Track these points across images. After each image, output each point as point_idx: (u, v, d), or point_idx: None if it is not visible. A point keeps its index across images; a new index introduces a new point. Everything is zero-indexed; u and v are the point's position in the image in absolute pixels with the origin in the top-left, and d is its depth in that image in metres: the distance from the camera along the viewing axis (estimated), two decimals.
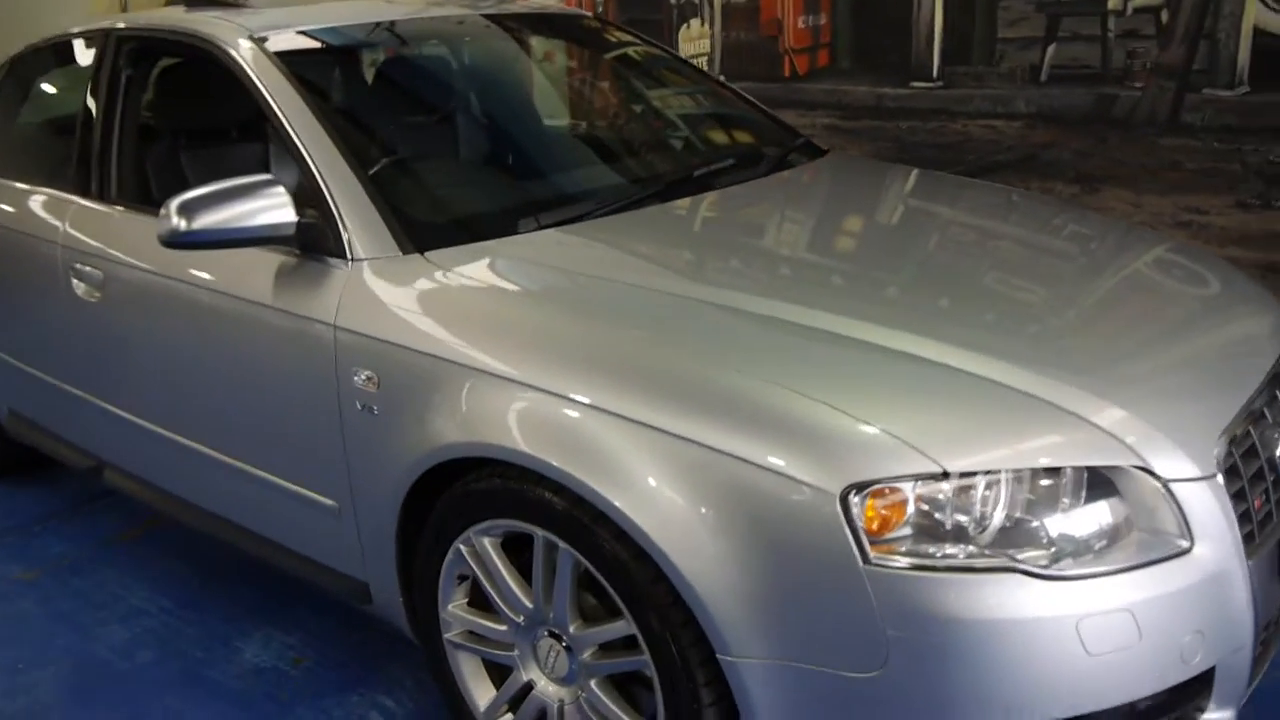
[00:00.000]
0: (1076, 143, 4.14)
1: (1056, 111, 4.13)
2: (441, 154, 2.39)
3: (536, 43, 2.85)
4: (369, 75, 2.54)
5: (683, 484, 1.59)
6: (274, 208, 2.06)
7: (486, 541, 1.88)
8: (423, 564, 2.01)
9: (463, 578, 1.98)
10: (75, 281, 2.64)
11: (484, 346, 1.82)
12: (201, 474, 2.47)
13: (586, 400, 1.68)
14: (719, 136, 2.72)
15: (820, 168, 2.69)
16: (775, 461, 1.53)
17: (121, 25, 2.78)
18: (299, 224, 2.08)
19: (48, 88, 3.27)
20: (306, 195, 2.12)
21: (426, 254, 2.02)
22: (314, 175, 2.14)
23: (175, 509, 2.66)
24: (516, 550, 1.89)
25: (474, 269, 1.97)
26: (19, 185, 3.06)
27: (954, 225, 2.43)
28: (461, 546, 1.92)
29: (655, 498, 1.60)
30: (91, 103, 2.77)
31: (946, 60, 4.35)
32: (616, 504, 1.62)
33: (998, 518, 1.53)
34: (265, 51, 2.37)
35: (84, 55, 3.02)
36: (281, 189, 2.08)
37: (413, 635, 2.15)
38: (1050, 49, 4.10)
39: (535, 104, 2.65)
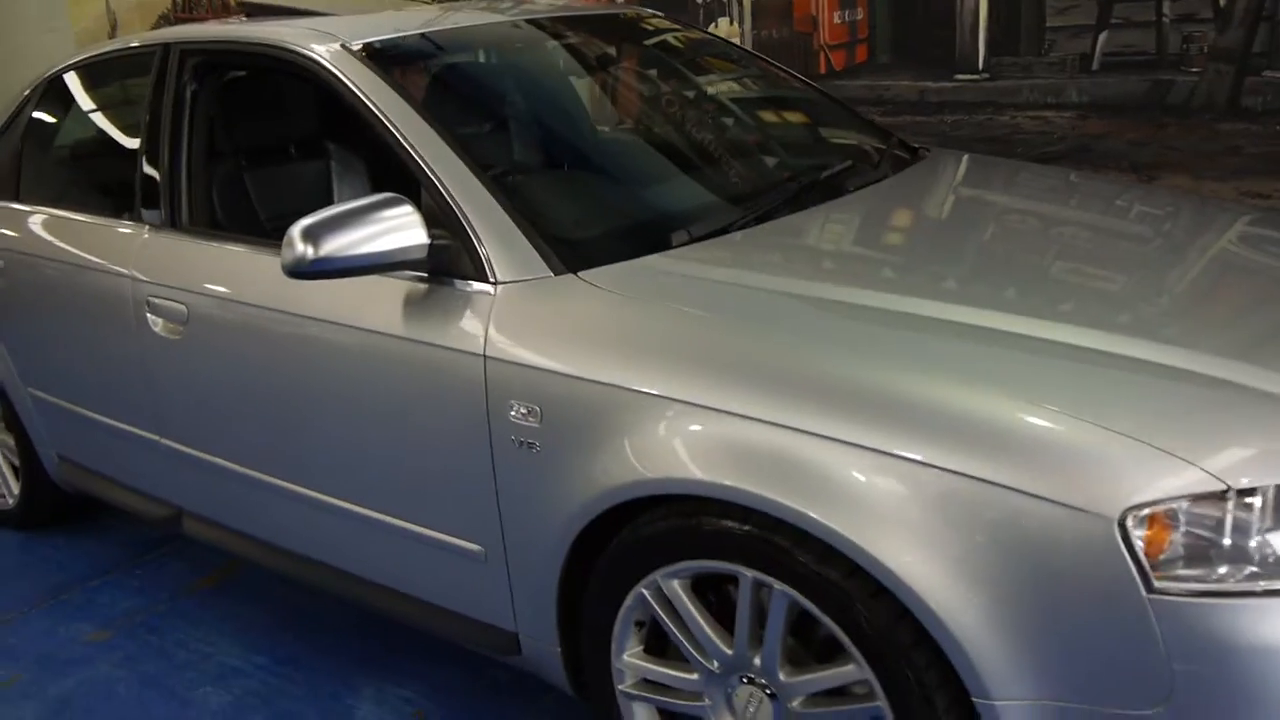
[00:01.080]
0: (1132, 132, 4.06)
1: (1110, 100, 4.05)
2: (566, 165, 2.23)
3: (634, 48, 2.70)
4: (474, 83, 2.37)
5: (932, 515, 1.45)
6: (404, 229, 1.90)
7: (676, 584, 1.73)
8: (592, 611, 1.85)
9: (639, 623, 1.83)
10: (152, 318, 2.45)
11: (670, 372, 1.67)
12: (310, 521, 2.29)
13: (805, 427, 1.54)
14: (829, 139, 2.59)
15: (935, 165, 2.57)
16: (1040, 486, 1.40)
17: (185, 38, 2.59)
18: (429, 246, 1.92)
19: (92, 108, 3.06)
20: (432, 215, 1.95)
21: (580, 274, 1.86)
22: (441, 193, 1.97)
23: (269, 558, 2.47)
24: (700, 590, 1.75)
25: (639, 288, 1.82)
26: (65, 214, 2.86)
27: (1106, 221, 2.32)
28: (644, 591, 1.76)
29: (900, 531, 1.46)
30: (152, 122, 2.58)
31: (992, 51, 4.26)
32: (856, 541, 1.48)
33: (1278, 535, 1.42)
34: (364, 61, 2.20)
35: (135, 71, 2.83)
36: (410, 208, 1.92)
37: (569, 687, 1.99)
38: (1102, 36, 4.02)
39: (648, 110, 2.50)
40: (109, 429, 2.76)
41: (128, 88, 2.93)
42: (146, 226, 2.56)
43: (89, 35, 6.45)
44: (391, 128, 2.07)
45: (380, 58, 2.25)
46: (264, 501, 2.38)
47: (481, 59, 2.50)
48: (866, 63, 4.58)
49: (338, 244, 1.86)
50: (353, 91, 2.15)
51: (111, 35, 6.27)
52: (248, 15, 2.74)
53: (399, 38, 2.36)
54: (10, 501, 3.37)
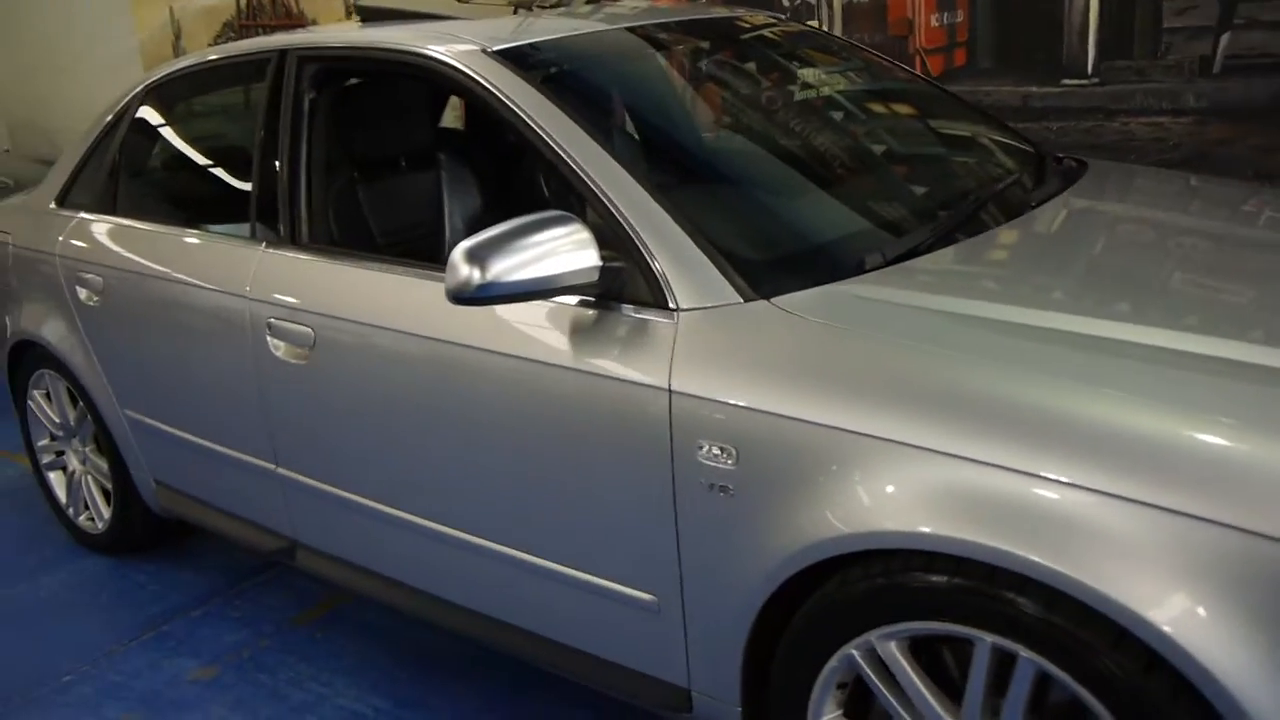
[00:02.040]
0: (1256, 138, 3.86)
1: (1232, 105, 3.85)
2: (738, 180, 2.07)
3: (777, 55, 2.54)
4: (619, 91, 2.22)
5: (1212, 574, 1.28)
6: (574, 250, 1.75)
7: (894, 647, 1.57)
8: (787, 671, 1.69)
9: (840, 685, 1.67)
10: (272, 341, 2.31)
11: (894, 412, 1.50)
12: (450, 561, 2.14)
13: (1059, 477, 1.37)
14: (993, 151, 2.42)
15: (1105, 177, 2.39)
16: None
17: (303, 45, 2.44)
18: (600, 269, 1.77)
19: (197, 117, 2.94)
20: (598, 234, 1.79)
21: (773, 301, 1.70)
22: (610, 210, 1.82)
23: (394, 597, 2.32)
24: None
25: (843, 317, 1.65)
26: (169, 229, 2.72)
27: None
28: (854, 652, 1.60)
29: (1150, 574, 1.30)
30: (268, 132, 2.44)
31: (1103, 55, 4.07)
32: (1129, 606, 1.31)
33: None
34: (510, 67, 2.05)
35: (244, 79, 2.70)
36: (581, 226, 1.77)
37: None
38: (1224, 38, 3.82)
39: (811, 119, 2.34)
40: (216, 455, 2.62)
41: (235, 96, 2.81)
42: (263, 243, 2.42)
43: (152, 44, 6.37)
44: (549, 139, 1.92)
45: (524, 63, 2.11)
46: (395, 538, 2.24)
47: (622, 66, 2.34)
48: (965, 67, 4.40)
49: (504, 266, 1.71)
50: (503, 101, 2.00)
51: (176, 43, 6.18)
52: (364, 20, 2.58)
53: (540, 42, 2.21)
54: (100, 526, 3.24)
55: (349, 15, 5.89)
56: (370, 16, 2.58)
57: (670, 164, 2.01)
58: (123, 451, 2.99)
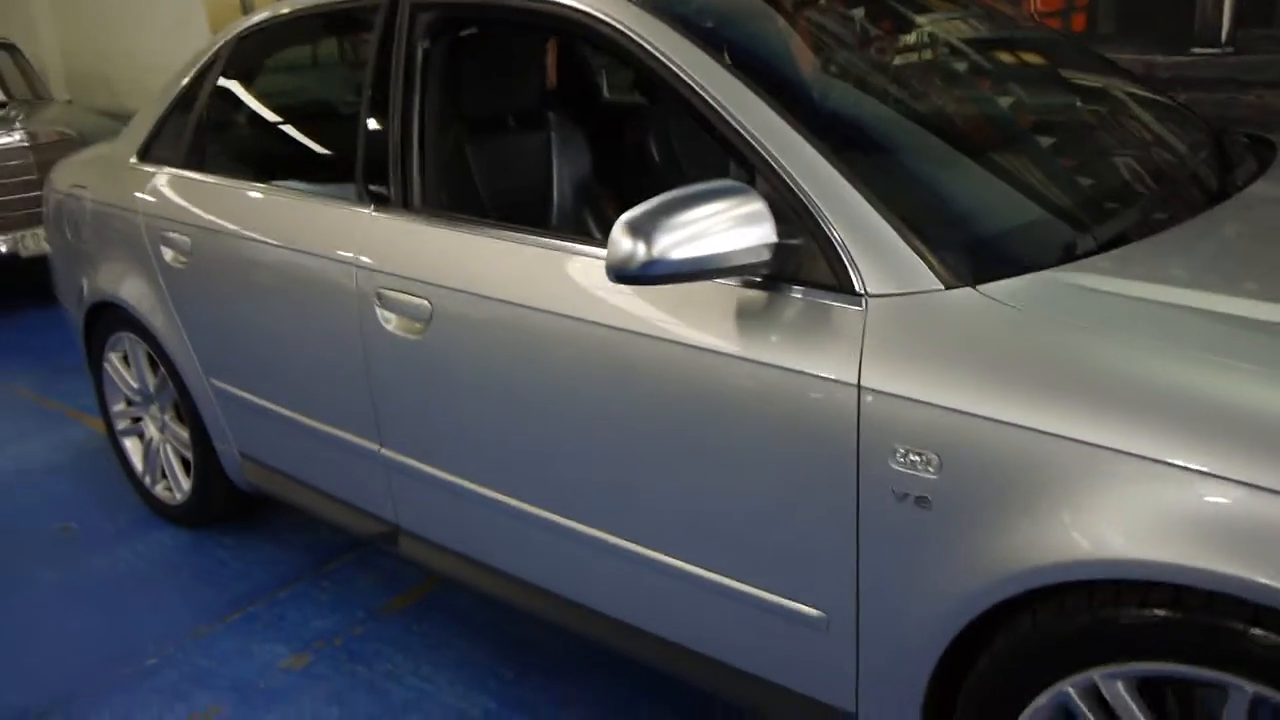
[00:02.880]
0: None
1: None
2: (924, 151, 1.85)
3: (939, 19, 2.31)
4: (790, 48, 2.00)
5: None
6: (749, 224, 1.55)
7: (1121, 687, 1.37)
8: (981, 703, 1.50)
9: None
10: (383, 313, 2.13)
11: (1136, 420, 1.30)
12: (578, 559, 1.96)
13: None
14: (1182, 130, 2.18)
15: None
16: None
17: None
18: (776, 246, 1.58)
19: (293, 69, 2.75)
20: (772, 207, 1.59)
21: (980, 289, 1.50)
22: (786, 182, 1.61)
23: (506, 591, 2.16)
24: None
25: (1070, 309, 1.44)
26: (264, 189, 2.54)
27: None
28: (1070, 689, 1.41)
29: None
30: (378, 86, 2.25)
31: (1239, 22, 3.79)
32: None
33: None
34: (665, 20, 1.84)
35: (345, 29, 2.51)
36: (756, 197, 1.57)
37: None
38: None
39: (992, 86, 2.12)
40: (311, 432, 2.46)
41: (334, 47, 2.62)
42: (371, 206, 2.24)
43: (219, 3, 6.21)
44: (711, 99, 1.71)
45: (673, 13, 1.89)
46: (513, 531, 2.07)
47: (781, 23, 2.12)
48: (1085, 33, 4.12)
49: (671, 241, 1.52)
50: (657, 56, 1.79)
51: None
52: None
53: None
54: (178, 497, 3.11)
55: None
56: None
57: (846, 131, 1.79)
58: (207, 422, 2.84)
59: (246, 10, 6.05)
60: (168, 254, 2.75)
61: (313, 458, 2.54)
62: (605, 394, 1.80)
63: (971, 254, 1.56)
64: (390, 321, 2.13)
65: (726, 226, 1.55)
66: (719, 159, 3.11)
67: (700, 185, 1.58)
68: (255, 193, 2.57)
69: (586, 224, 2.64)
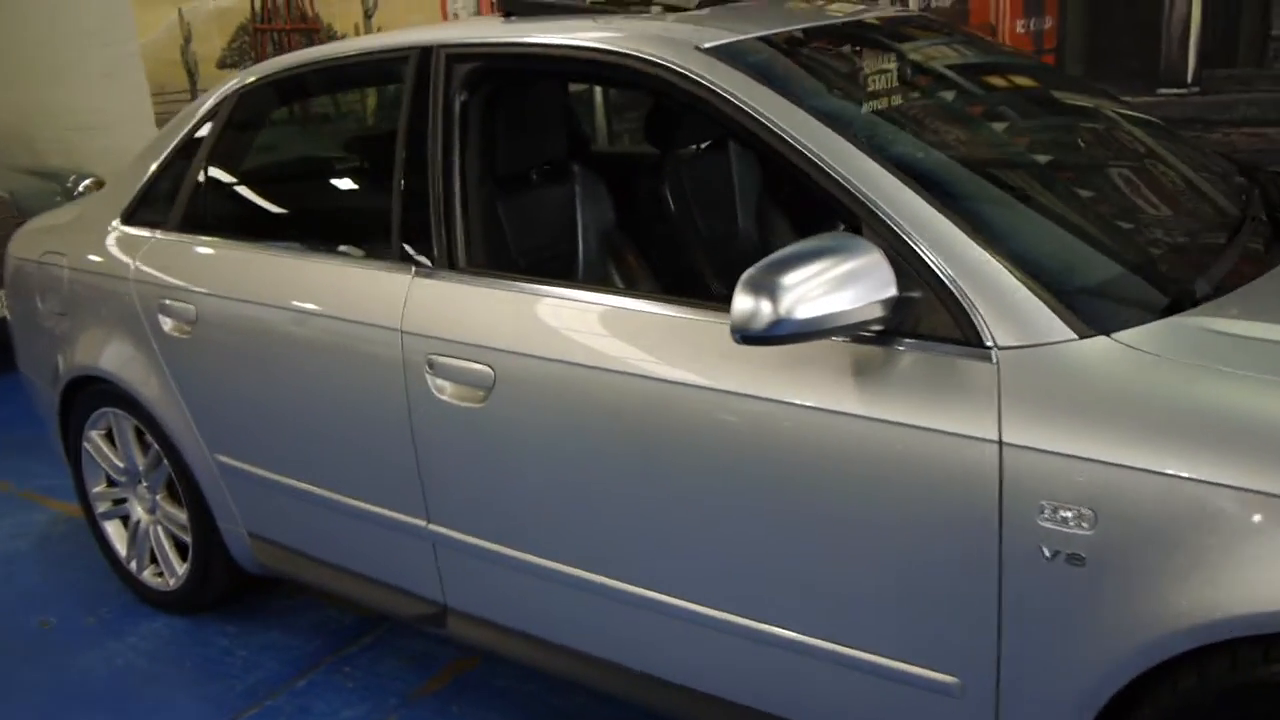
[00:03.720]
0: None
1: None
2: (1030, 197, 1.81)
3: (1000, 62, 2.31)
4: (859, 94, 1.96)
5: None
6: (869, 278, 1.50)
7: None
8: None
9: None
10: (436, 381, 2.01)
11: None
12: (665, 632, 1.85)
13: None
14: (1240, 173, 2.20)
15: None
16: None
17: (454, 41, 2.15)
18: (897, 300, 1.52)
19: (304, 123, 2.62)
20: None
21: (1115, 336, 1.46)
22: (896, 232, 1.56)
23: (566, 666, 2.04)
24: None
25: (1212, 355, 1.41)
26: (279, 252, 2.40)
27: None
28: None
29: None
30: (412, 141, 2.14)
31: (1205, 63, 3.92)
32: None
33: None
34: (740, 68, 1.79)
35: (366, 80, 2.40)
36: (876, 249, 1.52)
37: None
38: None
39: (1071, 130, 2.11)
40: (339, 508, 2.31)
41: (352, 99, 2.51)
42: (412, 267, 2.12)
43: (157, 49, 5.98)
44: (805, 150, 1.66)
45: (747, 61, 1.84)
46: (590, 605, 1.95)
47: (858, 66, 2.08)
48: None
49: (796, 297, 1.45)
50: (740, 106, 1.73)
51: (185, 47, 5.80)
52: (507, 15, 2.29)
53: (758, 38, 1.94)
54: (171, 583, 2.89)
55: (367, 18, 5.59)
56: (517, 11, 2.29)
57: (944, 179, 1.76)
58: (209, 501, 2.66)
59: (190, 69, 5.85)
60: (166, 323, 2.57)
61: (340, 536, 2.38)
62: (703, 460, 1.71)
63: (1098, 303, 1.53)
64: (444, 390, 2.00)
65: (849, 281, 1.49)
66: (730, 208, 3.12)
67: (818, 240, 1.53)
68: (270, 256, 2.42)
69: (611, 277, 2.57)
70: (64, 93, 6.70)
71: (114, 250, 2.77)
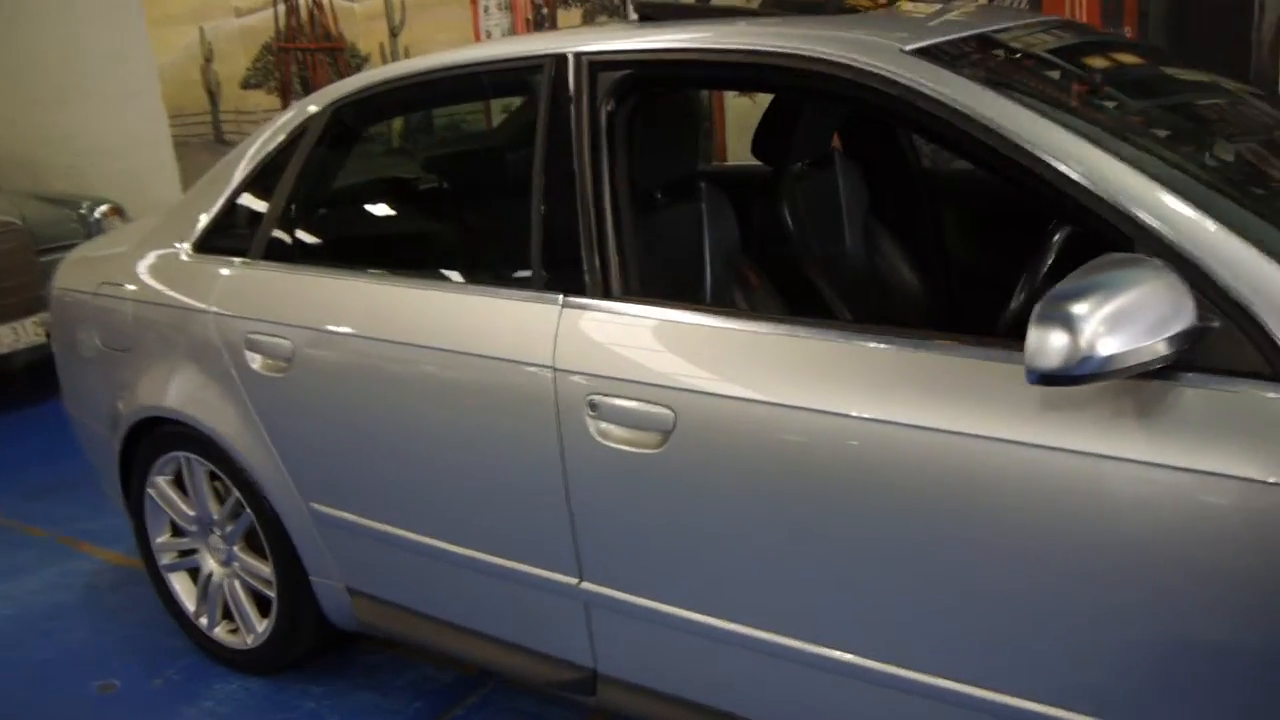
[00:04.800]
0: None
1: None
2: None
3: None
4: (1108, 99, 1.78)
5: None
6: (1175, 305, 1.31)
7: None
8: None
9: None
10: (600, 425, 1.80)
11: None
12: (893, 710, 1.65)
13: None
14: None
15: None
16: None
17: (595, 47, 1.95)
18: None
19: (413, 139, 2.40)
20: None
21: None
22: (1187, 257, 1.37)
23: None
24: None
25: None
26: (398, 283, 2.17)
27: None
28: None
29: None
30: (553, 157, 1.93)
31: None
32: None
33: None
34: (972, 77, 1.60)
35: (484, 91, 2.19)
36: (1173, 271, 1.33)
37: None
38: None
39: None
40: (465, 563, 2.08)
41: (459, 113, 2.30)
42: (560, 296, 1.92)
43: (177, 70, 5.73)
44: (1067, 170, 1.46)
45: (960, 67, 1.65)
46: (776, 673, 1.74)
47: (1075, 74, 1.90)
48: None
49: (1098, 331, 1.26)
50: (979, 121, 1.53)
51: (207, 67, 5.56)
52: (643, 17, 2.10)
53: (963, 40, 1.76)
54: (249, 641, 2.65)
55: (392, 36, 5.39)
56: (653, 15, 2.10)
57: (1211, 196, 1.57)
58: (302, 553, 2.42)
59: (211, 89, 5.61)
60: (254, 360, 2.34)
61: (463, 593, 2.15)
62: (953, 516, 1.50)
63: None
64: (609, 435, 1.79)
65: (1148, 310, 1.30)
66: (838, 227, 2.93)
67: (1110, 265, 1.33)
68: (381, 286, 2.19)
69: (736, 300, 2.37)
70: (75, 115, 6.44)
71: (188, 281, 2.53)
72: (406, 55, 5.18)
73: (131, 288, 2.68)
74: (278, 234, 2.43)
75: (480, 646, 2.17)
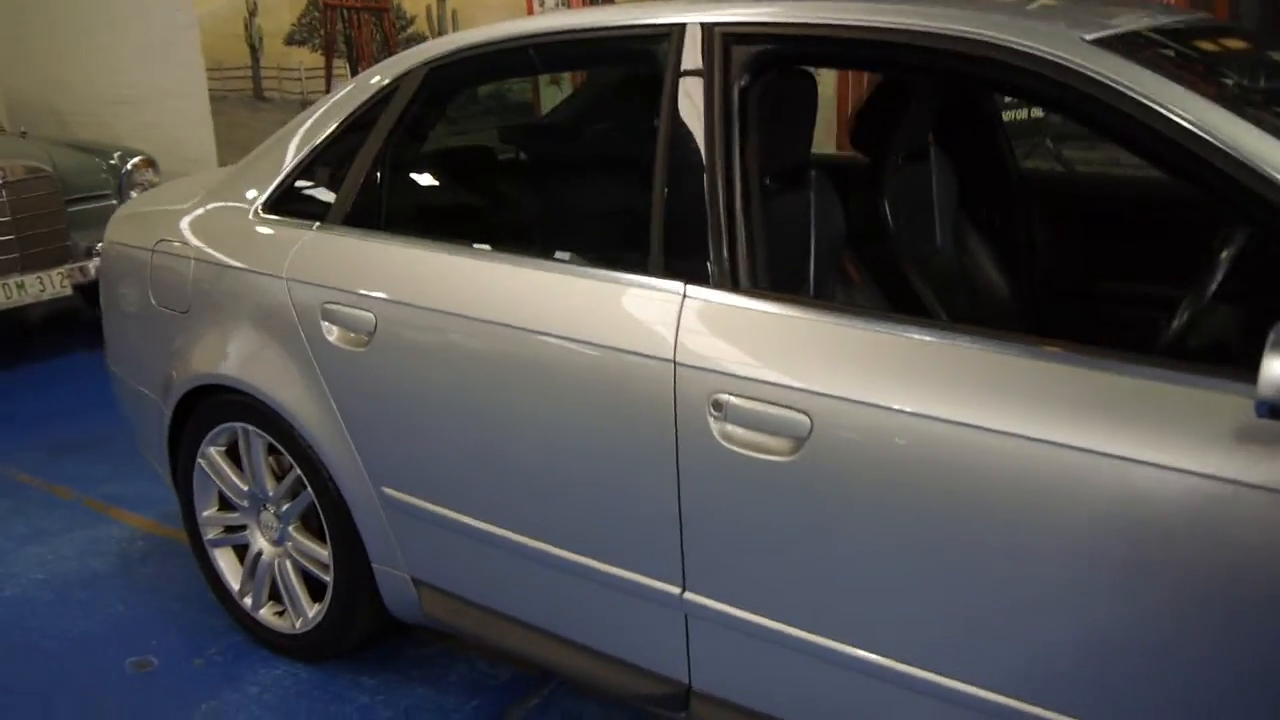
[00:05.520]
0: None
1: None
2: None
3: None
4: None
5: None
6: None
7: None
8: None
9: None
10: (724, 427, 1.66)
11: None
12: None
13: None
14: None
15: None
16: None
17: (727, 17, 1.81)
18: None
19: (516, 108, 2.26)
20: None
21: None
22: None
23: None
24: None
25: None
26: (490, 258, 2.04)
27: None
28: None
29: None
30: (677, 135, 1.80)
31: None
32: None
33: None
34: (1164, 73, 1.47)
35: (596, 60, 2.05)
36: None
37: None
38: None
39: None
40: (555, 563, 1.95)
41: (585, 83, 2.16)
42: (682, 285, 1.78)
43: (218, 20, 5.57)
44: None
45: (1149, 59, 1.53)
46: (898, 702, 1.62)
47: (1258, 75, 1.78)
48: None
49: None
50: (1176, 121, 1.41)
51: (250, 21, 5.40)
52: None
53: (1143, 31, 1.63)
54: (298, 625, 2.52)
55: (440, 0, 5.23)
56: None
57: None
58: (366, 538, 2.29)
59: (253, 44, 5.45)
60: (331, 331, 2.21)
61: (547, 595, 2.02)
62: (1159, 569, 1.38)
63: None
64: (735, 438, 1.66)
65: None
66: (929, 223, 2.80)
67: None
68: (482, 262, 2.05)
69: (835, 296, 2.25)
70: (103, 69, 6.27)
71: (259, 243, 2.40)
72: (454, 19, 5.02)
73: (195, 245, 2.54)
74: (363, 199, 2.28)
75: (559, 651, 2.04)
